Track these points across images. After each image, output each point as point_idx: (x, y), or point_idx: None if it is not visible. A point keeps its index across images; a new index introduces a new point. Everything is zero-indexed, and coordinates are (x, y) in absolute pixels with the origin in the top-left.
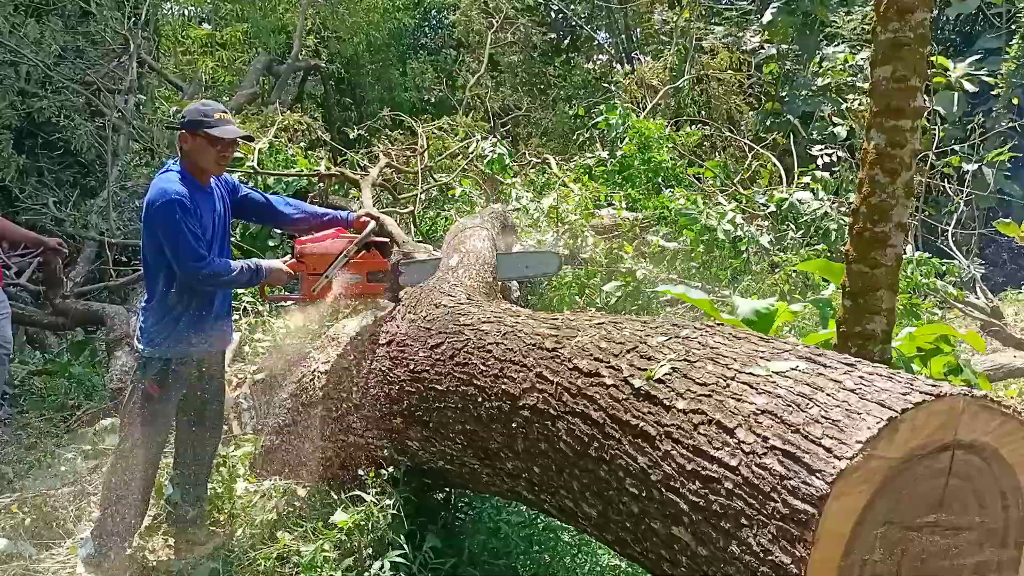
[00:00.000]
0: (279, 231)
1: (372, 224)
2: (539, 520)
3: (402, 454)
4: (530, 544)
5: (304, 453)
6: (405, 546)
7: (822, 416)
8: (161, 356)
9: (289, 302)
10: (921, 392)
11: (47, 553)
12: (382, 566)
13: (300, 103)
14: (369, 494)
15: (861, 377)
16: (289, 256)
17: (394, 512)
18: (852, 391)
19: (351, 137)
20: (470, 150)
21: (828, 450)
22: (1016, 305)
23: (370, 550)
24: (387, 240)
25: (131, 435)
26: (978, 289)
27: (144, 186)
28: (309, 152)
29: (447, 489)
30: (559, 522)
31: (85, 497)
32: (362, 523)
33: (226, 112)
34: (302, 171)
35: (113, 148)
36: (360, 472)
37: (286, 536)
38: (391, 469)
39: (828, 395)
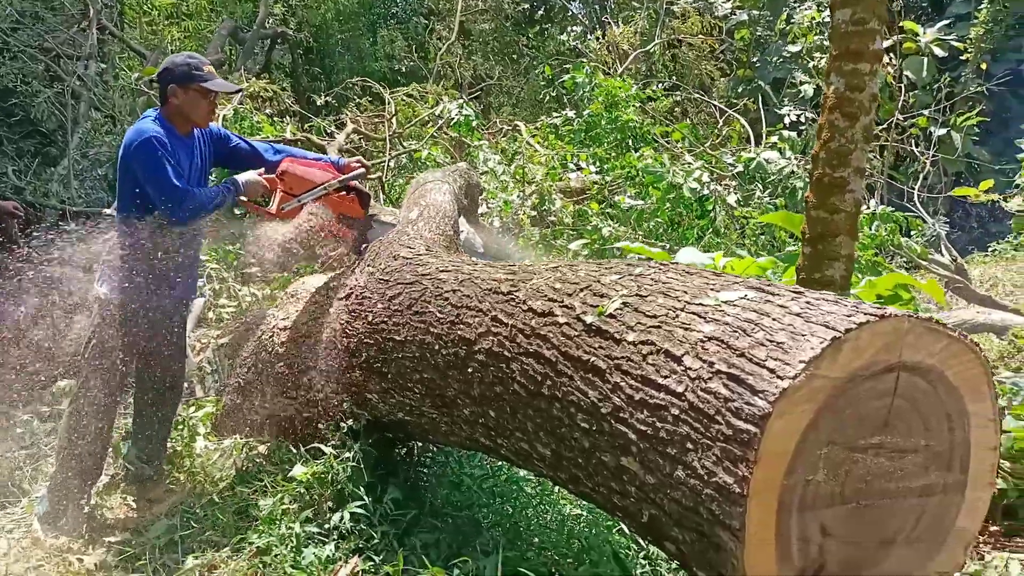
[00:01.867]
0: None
1: (360, 169)
2: (501, 472)
3: (361, 407)
4: (492, 496)
5: (264, 410)
6: (365, 498)
7: (767, 339)
8: (122, 301)
9: (255, 212)
10: (866, 314)
11: (2, 512)
12: (342, 517)
13: (267, 72)
14: (328, 447)
15: (808, 302)
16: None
17: (354, 465)
18: (798, 315)
19: (319, 104)
20: (437, 112)
21: (771, 371)
22: (982, 266)
23: (330, 503)
24: (369, 193)
25: (87, 386)
26: (943, 247)
27: (106, 154)
28: (276, 120)
29: (409, 444)
30: (517, 469)
31: (43, 458)
32: (322, 476)
33: (210, 65)
34: (267, 138)
35: (74, 116)
36: (320, 426)
37: (245, 491)
38: (351, 422)
39: (774, 320)
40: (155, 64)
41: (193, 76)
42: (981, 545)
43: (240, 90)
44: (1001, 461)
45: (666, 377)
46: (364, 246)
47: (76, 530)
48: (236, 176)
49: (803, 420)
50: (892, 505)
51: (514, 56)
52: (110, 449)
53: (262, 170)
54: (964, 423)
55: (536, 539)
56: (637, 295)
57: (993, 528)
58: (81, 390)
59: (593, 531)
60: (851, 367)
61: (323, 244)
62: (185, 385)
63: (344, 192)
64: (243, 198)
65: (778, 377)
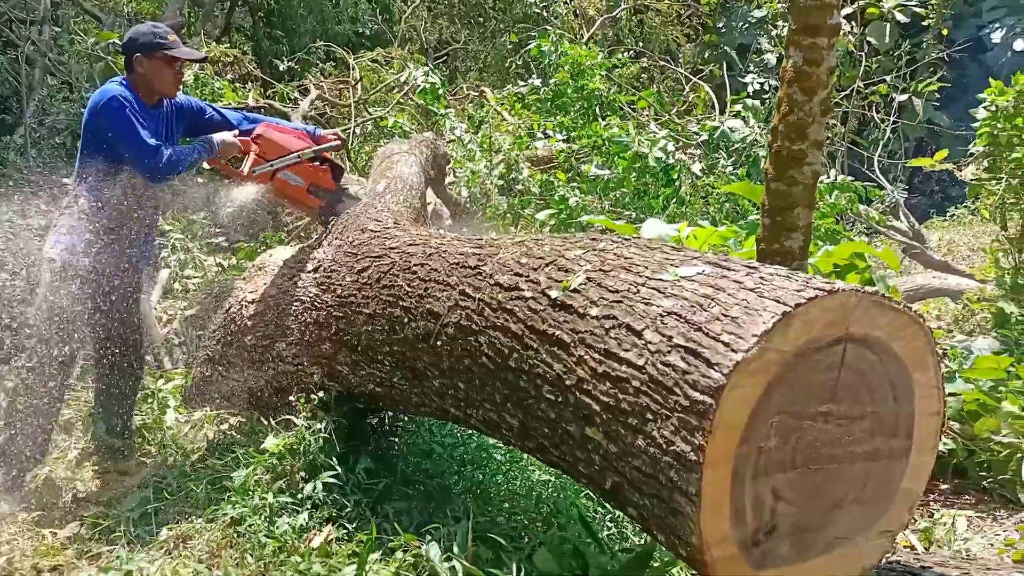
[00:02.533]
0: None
1: (336, 142)
2: (472, 440)
3: (332, 379)
4: (463, 464)
5: (234, 382)
6: (337, 468)
7: (723, 314)
8: (74, 265)
9: (226, 173)
10: (815, 289)
11: None
12: (314, 487)
13: (227, 35)
14: (300, 419)
15: (761, 277)
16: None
17: (325, 436)
18: (752, 290)
19: (281, 70)
20: (403, 79)
21: (726, 344)
22: (941, 231)
23: (302, 473)
24: (342, 166)
25: (35, 352)
26: (901, 213)
27: (64, 122)
28: (237, 85)
29: (380, 415)
30: (487, 437)
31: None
32: (293, 447)
33: (175, 33)
34: (229, 104)
35: (28, 82)
36: (291, 398)
37: (217, 463)
38: (322, 394)
39: (729, 295)
40: (112, 29)
41: (157, 44)
42: (931, 503)
43: (206, 58)
44: (951, 423)
45: (627, 351)
46: (332, 218)
47: (18, 501)
48: (211, 135)
49: (756, 391)
50: (840, 470)
51: (480, 19)
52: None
53: (237, 131)
54: (909, 392)
55: (506, 504)
56: (600, 270)
57: (944, 487)
58: (29, 356)
59: (561, 496)
60: (801, 340)
61: (289, 212)
62: (151, 357)
63: (318, 163)
64: (218, 158)
65: (732, 351)
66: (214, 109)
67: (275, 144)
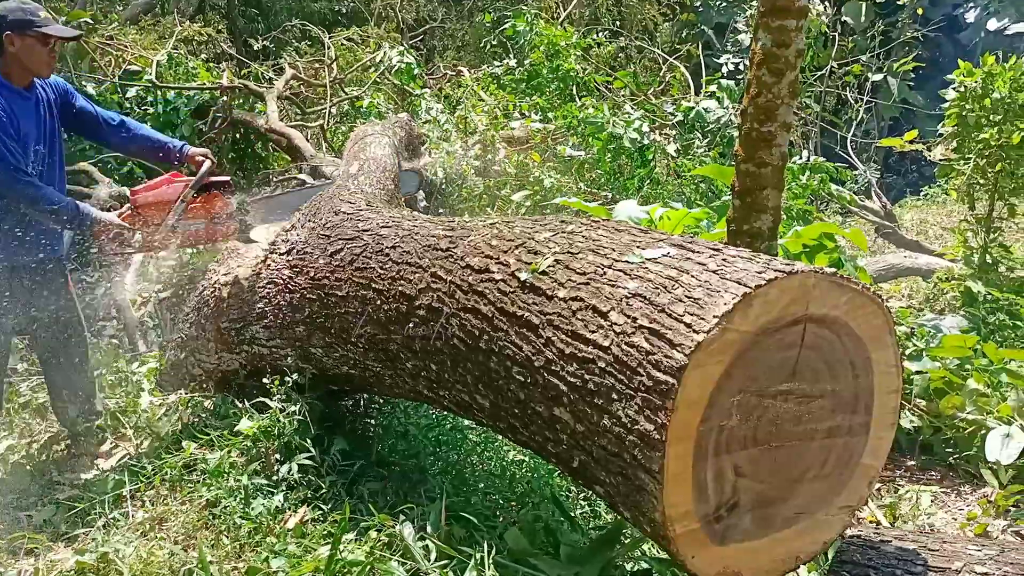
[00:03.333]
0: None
1: (207, 163)
2: (447, 422)
3: (306, 361)
4: (438, 445)
5: (209, 365)
6: (312, 449)
7: (685, 295)
8: None
9: (130, 252)
10: (775, 270)
11: None
12: (289, 469)
13: (201, 12)
14: (274, 401)
15: (724, 259)
16: (125, 207)
17: (300, 418)
18: (714, 272)
19: (256, 49)
20: (379, 59)
21: (688, 325)
22: (914, 210)
23: (277, 455)
24: (228, 179)
25: None
26: (873, 193)
27: None
28: (212, 65)
29: (355, 396)
30: (461, 418)
31: None
32: (268, 429)
33: (45, 11)
34: (204, 84)
35: None
36: (265, 380)
37: (192, 445)
38: (296, 376)
39: (693, 277)
40: (83, 7)
41: (29, 22)
42: (897, 479)
43: (80, 35)
44: (917, 401)
45: (593, 332)
46: (250, 228)
47: None
48: (91, 209)
49: (717, 371)
50: (801, 446)
51: None
52: (45, 406)
53: (125, 208)
54: (868, 370)
55: (480, 484)
56: (568, 252)
57: (910, 463)
58: None
59: (534, 475)
60: (761, 321)
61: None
62: (126, 339)
63: (205, 192)
64: (103, 240)
65: (694, 331)
66: (85, 100)
67: (156, 203)
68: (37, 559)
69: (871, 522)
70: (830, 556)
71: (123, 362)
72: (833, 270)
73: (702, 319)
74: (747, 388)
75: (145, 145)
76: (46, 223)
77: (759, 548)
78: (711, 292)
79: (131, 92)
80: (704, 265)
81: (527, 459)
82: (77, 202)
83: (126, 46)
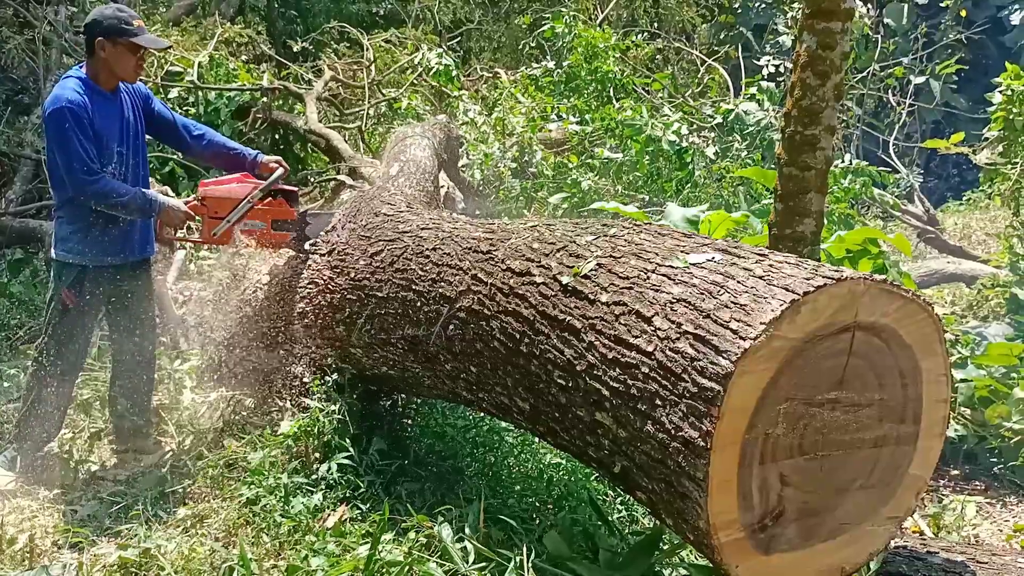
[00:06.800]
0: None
1: (279, 171)
2: (484, 423)
3: (346, 361)
4: (475, 446)
5: (249, 364)
6: (351, 449)
7: (731, 302)
8: (76, 263)
9: (188, 244)
10: (824, 277)
11: None
12: (329, 468)
13: (242, 14)
14: (314, 401)
15: (771, 265)
16: (192, 197)
17: (339, 418)
18: (761, 278)
19: (295, 50)
20: (417, 61)
21: (735, 332)
22: (957, 215)
23: (317, 454)
24: (295, 189)
25: (48, 347)
26: (916, 198)
27: None
28: (252, 66)
29: (393, 396)
30: (498, 420)
31: None
32: (308, 428)
33: (140, 18)
34: (244, 85)
35: (45, 63)
36: (305, 380)
37: (233, 443)
38: (335, 376)
39: (739, 282)
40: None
41: (122, 31)
42: (941, 489)
43: (170, 46)
44: (962, 409)
45: (637, 337)
46: (311, 242)
47: (32, 476)
48: (159, 195)
49: (764, 378)
50: (848, 455)
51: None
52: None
53: (191, 197)
54: (917, 378)
55: (517, 487)
56: (611, 256)
57: (954, 473)
58: (43, 350)
59: (572, 478)
60: (809, 328)
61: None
62: (168, 338)
63: (270, 198)
64: (169, 229)
65: (740, 338)
66: (162, 104)
67: (223, 199)
68: (81, 553)
69: (915, 532)
70: (875, 567)
71: (165, 359)
72: (882, 277)
73: (749, 326)
74: (794, 396)
75: (220, 152)
76: (121, 216)
77: (804, 558)
78: (758, 298)
79: (173, 93)
80: (750, 271)
81: (564, 462)
82: (143, 190)
83: (169, 47)
